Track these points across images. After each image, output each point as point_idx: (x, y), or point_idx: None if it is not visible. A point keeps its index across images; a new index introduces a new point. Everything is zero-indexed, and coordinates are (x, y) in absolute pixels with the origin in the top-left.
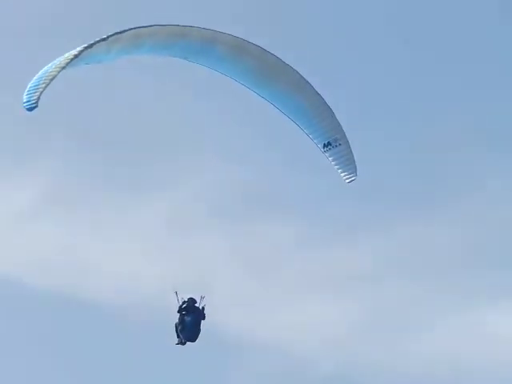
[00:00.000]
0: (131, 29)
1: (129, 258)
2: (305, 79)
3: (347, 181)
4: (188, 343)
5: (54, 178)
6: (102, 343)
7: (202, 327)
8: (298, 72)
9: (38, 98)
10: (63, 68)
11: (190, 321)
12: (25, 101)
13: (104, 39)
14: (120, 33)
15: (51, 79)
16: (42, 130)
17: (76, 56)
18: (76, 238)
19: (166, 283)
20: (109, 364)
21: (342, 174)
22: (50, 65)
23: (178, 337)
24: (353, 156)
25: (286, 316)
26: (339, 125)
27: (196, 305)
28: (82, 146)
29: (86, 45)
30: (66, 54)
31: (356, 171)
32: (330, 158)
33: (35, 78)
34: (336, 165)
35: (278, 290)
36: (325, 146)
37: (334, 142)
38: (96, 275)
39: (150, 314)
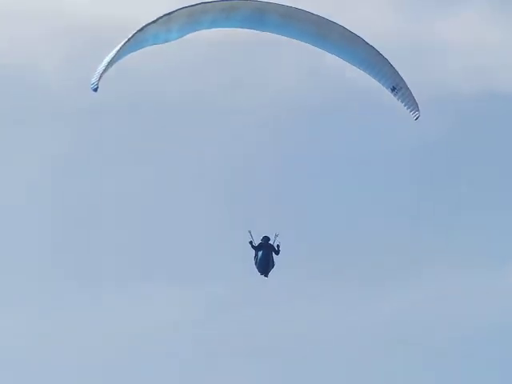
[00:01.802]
0: (181, 8)
1: None
2: (356, 34)
3: (414, 118)
4: None
5: None
6: None
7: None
8: (347, 29)
9: (98, 81)
10: (118, 53)
11: (261, 256)
12: (91, 83)
13: (154, 21)
14: (169, 14)
15: (109, 64)
16: None
17: (129, 40)
18: None
19: None
20: None
21: (410, 113)
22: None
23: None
24: (413, 97)
25: None
26: (396, 71)
27: (270, 242)
28: None
29: (138, 28)
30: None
31: (419, 109)
32: (399, 100)
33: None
34: (404, 105)
35: None
36: (392, 90)
37: (397, 86)
38: None
39: None
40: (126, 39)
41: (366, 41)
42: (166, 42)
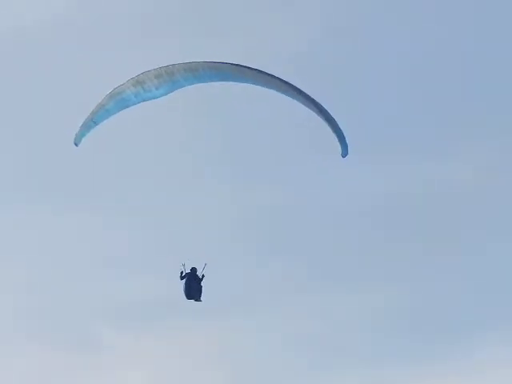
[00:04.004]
0: (146, 71)
1: None
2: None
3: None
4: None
5: None
6: None
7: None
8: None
9: (78, 138)
10: (97, 114)
11: (185, 284)
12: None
13: (122, 84)
14: (135, 77)
15: (88, 123)
16: None
17: (103, 103)
18: None
19: None
20: None
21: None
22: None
23: None
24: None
25: None
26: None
27: (197, 273)
28: None
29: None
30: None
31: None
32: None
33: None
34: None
35: None
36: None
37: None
38: None
39: None
40: (99, 103)
41: (303, 91)
42: (154, 98)
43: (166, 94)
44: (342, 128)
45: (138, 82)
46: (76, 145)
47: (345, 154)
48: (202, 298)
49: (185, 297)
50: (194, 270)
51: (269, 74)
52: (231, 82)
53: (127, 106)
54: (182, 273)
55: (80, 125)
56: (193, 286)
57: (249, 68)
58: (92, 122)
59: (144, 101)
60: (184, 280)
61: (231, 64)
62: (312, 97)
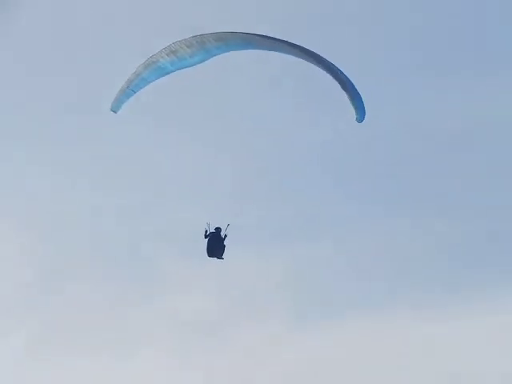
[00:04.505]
0: (177, 42)
1: None
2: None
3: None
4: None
5: None
6: None
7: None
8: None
9: (117, 106)
10: (129, 86)
11: (208, 243)
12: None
13: (155, 54)
14: (168, 46)
15: (123, 94)
16: None
17: (138, 72)
18: None
19: None
20: None
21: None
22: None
23: None
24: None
25: None
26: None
27: (221, 232)
28: None
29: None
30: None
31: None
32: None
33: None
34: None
35: None
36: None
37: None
38: None
39: None
40: (134, 73)
41: (325, 59)
42: (190, 66)
43: (201, 62)
44: (360, 93)
45: (171, 51)
46: (114, 112)
47: (361, 119)
48: (223, 257)
49: (207, 254)
50: (218, 229)
51: (293, 44)
52: (260, 50)
53: (165, 74)
54: (206, 232)
55: (117, 92)
56: (215, 244)
57: (274, 38)
58: (130, 90)
59: (180, 68)
60: (207, 239)
61: (257, 35)
62: (334, 64)
